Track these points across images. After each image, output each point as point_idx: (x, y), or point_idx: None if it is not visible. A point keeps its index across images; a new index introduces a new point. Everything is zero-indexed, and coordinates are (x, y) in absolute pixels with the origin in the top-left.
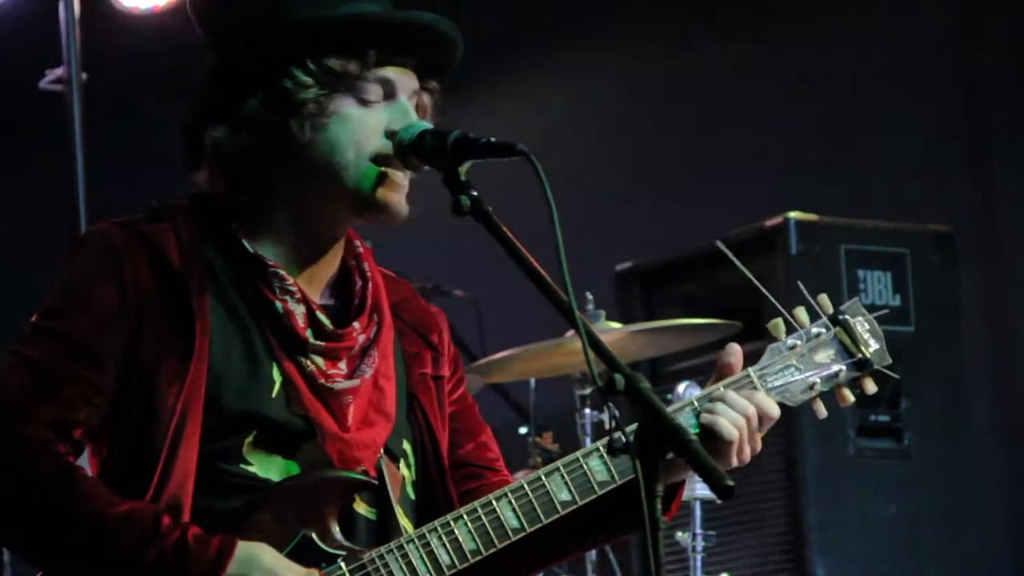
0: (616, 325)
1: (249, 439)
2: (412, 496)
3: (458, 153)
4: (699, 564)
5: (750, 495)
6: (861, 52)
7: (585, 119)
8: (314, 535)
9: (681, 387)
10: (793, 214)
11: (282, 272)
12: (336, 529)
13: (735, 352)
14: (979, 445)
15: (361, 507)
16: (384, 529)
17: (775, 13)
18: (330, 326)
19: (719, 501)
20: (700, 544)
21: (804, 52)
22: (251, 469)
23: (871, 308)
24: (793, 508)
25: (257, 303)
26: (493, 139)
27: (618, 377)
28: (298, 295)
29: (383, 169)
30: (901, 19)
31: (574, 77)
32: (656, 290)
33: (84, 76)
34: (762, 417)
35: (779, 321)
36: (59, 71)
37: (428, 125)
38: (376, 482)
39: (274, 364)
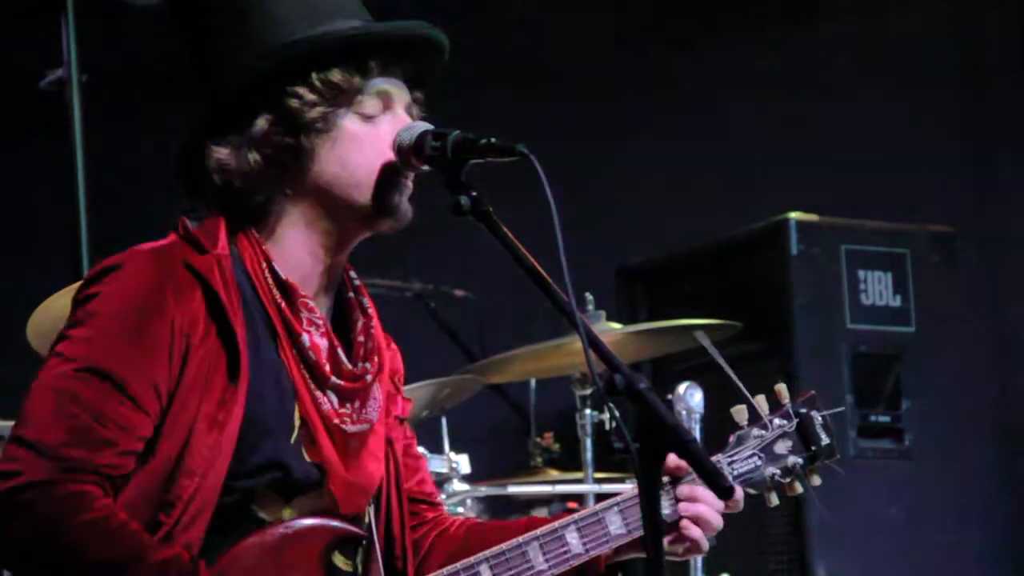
0: (616, 325)
1: (265, 484)
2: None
3: (458, 154)
4: (699, 564)
5: (750, 495)
6: (861, 52)
7: (587, 117)
8: None
9: (682, 387)
10: (793, 214)
11: (311, 303)
12: None
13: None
14: (979, 445)
15: (339, 559)
16: None
17: (775, 13)
18: (348, 365)
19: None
20: None
21: (804, 52)
22: (260, 514)
23: (871, 309)
24: (793, 508)
25: (283, 334)
26: (493, 139)
27: (618, 378)
28: (323, 328)
29: (391, 178)
30: (901, 19)
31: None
32: (657, 290)
33: (84, 76)
34: (730, 507)
35: (743, 408)
36: (59, 71)
37: (428, 126)
38: (361, 532)
39: (295, 404)
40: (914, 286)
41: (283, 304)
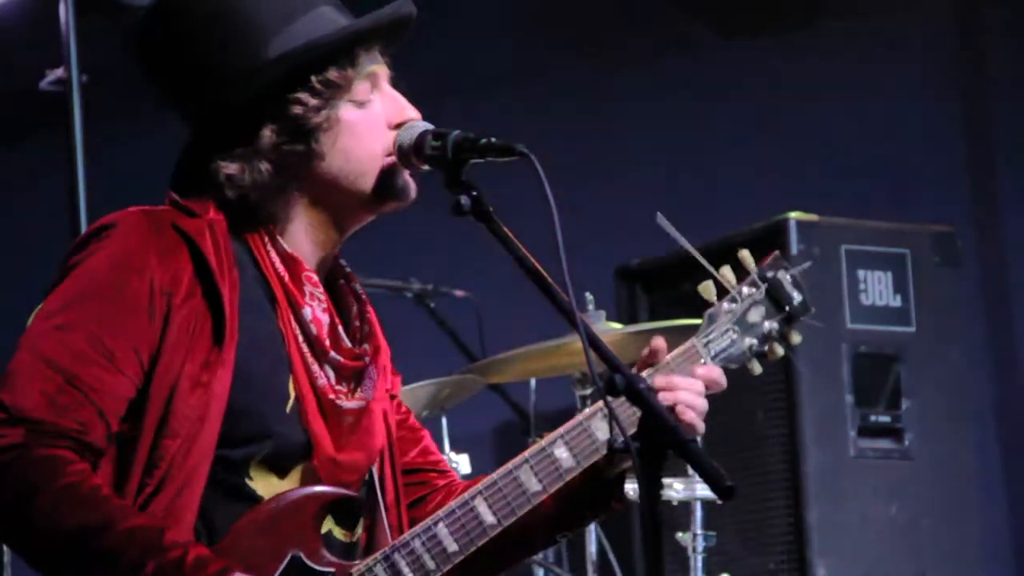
0: (616, 325)
1: (260, 455)
2: None
3: (458, 154)
4: (699, 564)
5: (750, 495)
6: (861, 52)
7: (587, 118)
8: (302, 554)
9: None
10: (793, 214)
11: (315, 277)
12: (324, 548)
13: (661, 346)
14: (979, 445)
15: (337, 532)
16: (361, 549)
17: (775, 13)
18: (348, 343)
19: (719, 501)
20: (700, 544)
21: (804, 52)
22: (252, 485)
23: (871, 309)
24: (793, 508)
25: (284, 305)
26: (493, 139)
27: (618, 378)
28: (325, 304)
29: (393, 162)
30: (901, 19)
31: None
32: (656, 290)
33: (84, 77)
34: (710, 387)
35: (709, 283)
36: (59, 72)
37: (428, 126)
38: (352, 494)
39: (289, 375)
40: (914, 286)
41: (286, 277)
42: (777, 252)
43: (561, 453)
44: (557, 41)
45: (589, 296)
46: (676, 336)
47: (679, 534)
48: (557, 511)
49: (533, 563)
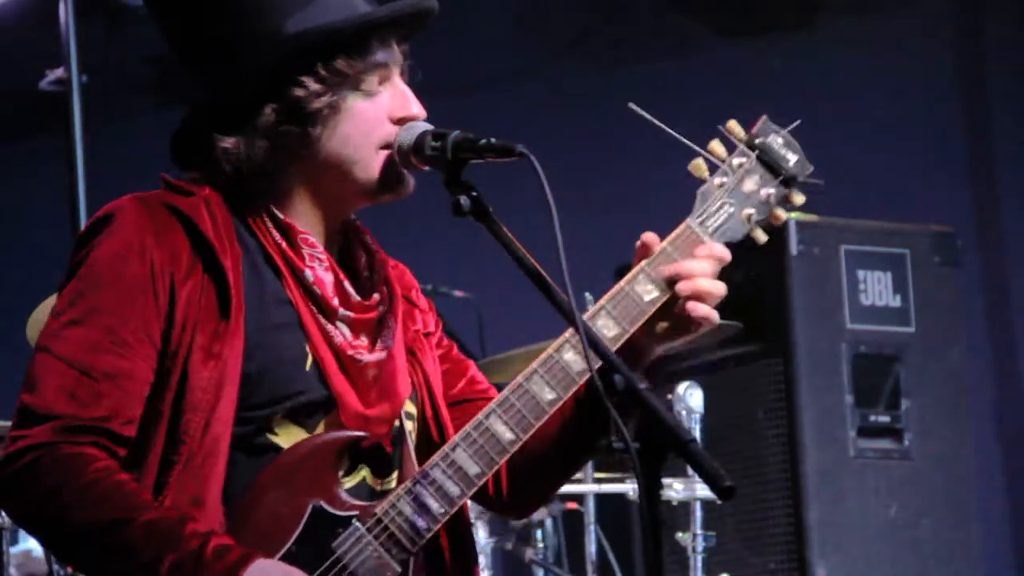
0: None
1: (280, 413)
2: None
3: (458, 154)
4: (699, 564)
5: (750, 495)
6: (861, 52)
7: (587, 118)
8: (323, 503)
9: (682, 387)
10: (793, 214)
11: (312, 239)
12: (343, 492)
13: (652, 238)
14: (979, 445)
15: (370, 479)
16: None
17: (775, 13)
18: (356, 296)
19: (719, 501)
20: (700, 544)
21: (804, 52)
22: (274, 438)
23: (871, 309)
24: (793, 508)
25: (286, 271)
26: (493, 139)
27: (618, 378)
28: (327, 263)
29: (390, 154)
30: (901, 19)
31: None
32: None
33: (84, 77)
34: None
35: (699, 161)
36: (59, 72)
37: (428, 126)
38: (365, 435)
39: (305, 337)
40: (914, 286)
41: (283, 244)
42: (765, 116)
43: (569, 356)
44: (557, 41)
45: (589, 296)
46: None
47: (679, 534)
48: (582, 419)
49: (533, 563)
